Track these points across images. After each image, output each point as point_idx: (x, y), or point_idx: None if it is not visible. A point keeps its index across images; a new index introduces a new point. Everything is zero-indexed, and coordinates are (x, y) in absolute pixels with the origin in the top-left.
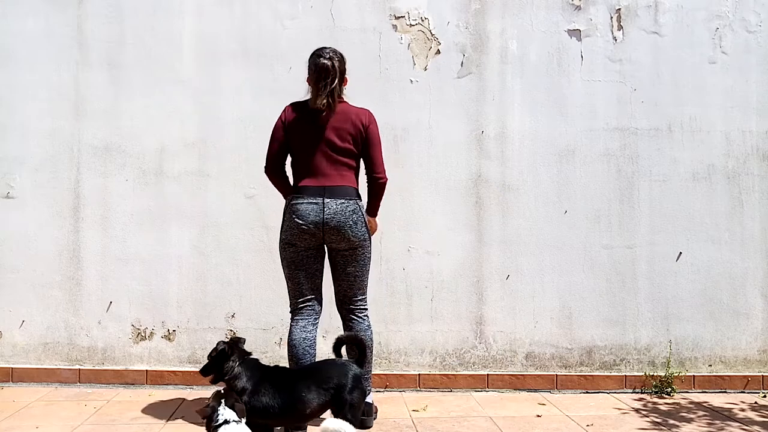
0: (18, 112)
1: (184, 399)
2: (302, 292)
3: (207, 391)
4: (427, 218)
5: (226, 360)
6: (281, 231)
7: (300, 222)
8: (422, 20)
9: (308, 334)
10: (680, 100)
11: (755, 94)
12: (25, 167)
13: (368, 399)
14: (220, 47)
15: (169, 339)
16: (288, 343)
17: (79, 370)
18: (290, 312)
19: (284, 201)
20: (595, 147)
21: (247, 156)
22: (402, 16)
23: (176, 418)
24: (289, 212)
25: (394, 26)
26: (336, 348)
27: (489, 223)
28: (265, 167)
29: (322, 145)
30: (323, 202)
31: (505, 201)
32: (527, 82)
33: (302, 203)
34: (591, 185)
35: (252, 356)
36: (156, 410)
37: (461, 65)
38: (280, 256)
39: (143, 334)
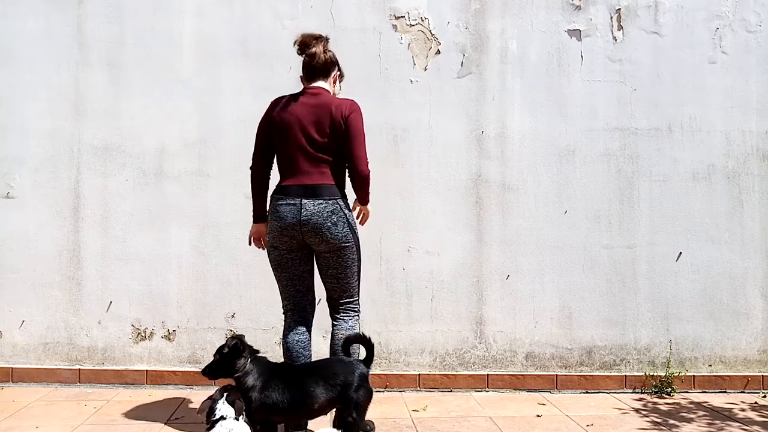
0: (18, 112)
1: (184, 399)
2: (290, 294)
3: (207, 392)
4: (427, 218)
5: (238, 356)
6: (267, 234)
7: (279, 224)
8: (422, 20)
9: (301, 336)
10: (680, 100)
11: (755, 94)
12: (25, 167)
13: None
14: (220, 47)
15: (169, 339)
16: (282, 345)
17: (79, 370)
18: (283, 314)
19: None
20: (595, 147)
21: (247, 156)
22: (402, 16)
23: (176, 418)
24: (271, 214)
25: (394, 26)
26: (344, 348)
27: (489, 223)
28: (251, 165)
29: (302, 142)
30: (301, 203)
31: (505, 201)
32: (527, 82)
33: (282, 204)
34: (591, 185)
35: (260, 354)
36: (156, 410)
37: (461, 65)
38: (268, 259)
39: (143, 334)
